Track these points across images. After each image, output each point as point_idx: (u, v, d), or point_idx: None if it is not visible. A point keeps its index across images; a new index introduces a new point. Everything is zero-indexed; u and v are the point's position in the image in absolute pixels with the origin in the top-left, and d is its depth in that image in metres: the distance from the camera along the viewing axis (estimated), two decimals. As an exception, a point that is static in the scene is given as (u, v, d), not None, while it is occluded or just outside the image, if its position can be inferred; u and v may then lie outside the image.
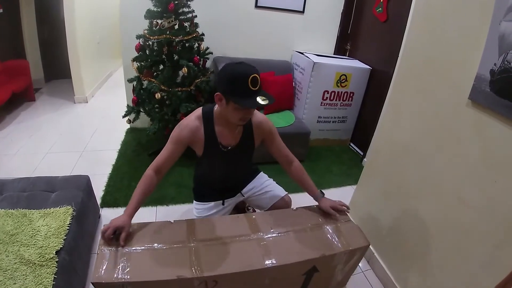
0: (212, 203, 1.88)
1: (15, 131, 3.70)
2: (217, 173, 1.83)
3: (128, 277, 1.22)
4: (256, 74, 1.37)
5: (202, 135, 1.60)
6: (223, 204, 1.88)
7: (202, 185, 1.94)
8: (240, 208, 2.27)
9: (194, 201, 1.96)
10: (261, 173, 2.06)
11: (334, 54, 4.25)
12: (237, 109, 1.44)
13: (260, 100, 1.37)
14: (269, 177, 2.03)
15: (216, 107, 1.60)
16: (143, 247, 1.37)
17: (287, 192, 1.98)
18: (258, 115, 1.71)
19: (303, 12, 3.91)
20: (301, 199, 1.80)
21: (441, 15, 1.62)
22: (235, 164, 1.80)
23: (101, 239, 1.39)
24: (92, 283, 1.21)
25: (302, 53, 3.84)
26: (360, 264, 2.16)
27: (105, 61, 6.01)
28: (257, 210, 2.16)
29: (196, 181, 1.99)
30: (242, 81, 1.35)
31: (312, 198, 1.80)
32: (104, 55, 5.88)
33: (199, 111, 1.62)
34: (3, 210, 1.76)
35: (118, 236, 1.38)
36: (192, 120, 1.59)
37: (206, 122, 1.60)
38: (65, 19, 4.25)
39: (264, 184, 1.98)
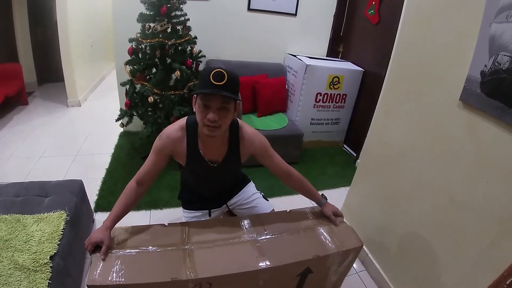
0: (198, 212, 1.84)
1: (8, 135, 3.68)
2: (202, 185, 1.76)
3: (123, 279, 1.22)
4: (223, 70, 1.28)
5: (184, 148, 1.51)
6: (209, 215, 1.84)
7: (188, 192, 1.88)
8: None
9: (182, 209, 1.90)
10: (250, 184, 1.97)
11: (326, 56, 4.28)
12: (199, 107, 1.33)
13: (217, 91, 1.26)
14: (262, 179, 2.00)
15: None
16: (137, 250, 1.37)
17: (273, 207, 1.91)
18: (247, 130, 1.59)
19: (295, 14, 3.93)
20: (295, 201, 1.81)
21: (432, 17, 1.64)
22: (220, 178, 1.72)
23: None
24: (87, 286, 1.21)
25: (294, 56, 3.86)
26: (354, 265, 2.18)
27: (98, 64, 5.99)
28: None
29: (182, 187, 1.93)
30: (205, 75, 1.29)
31: (303, 201, 1.77)
32: (97, 58, 5.87)
33: (183, 121, 1.51)
34: (-4, 215, 1.75)
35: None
36: (175, 130, 1.49)
37: (189, 134, 1.49)
38: (58, 22, 4.24)
39: (251, 198, 1.90)
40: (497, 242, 1.32)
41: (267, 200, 1.96)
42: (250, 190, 1.94)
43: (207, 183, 1.74)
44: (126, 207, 1.48)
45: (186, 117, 1.52)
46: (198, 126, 1.45)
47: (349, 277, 2.10)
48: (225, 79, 1.27)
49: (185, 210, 1.88)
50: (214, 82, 1.25)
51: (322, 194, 1.75)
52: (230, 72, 1.30)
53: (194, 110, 1.39)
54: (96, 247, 1.34)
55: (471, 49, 1.38)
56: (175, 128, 1.49)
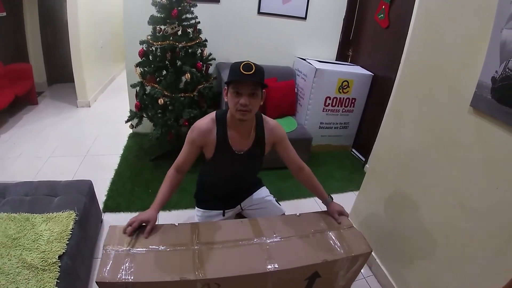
0: (213, 212, 1.87)
1: (17, 134, 3.72)
2: (224, 178, 1.82)
3: (132, 277, 1.22)
4: (250, 62, 1.46)
5: (214, 138, 1.62)
6: (223, 215, 1.87)
7: (205, 191, 1.93)
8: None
9: (196, 207, 1.95)
10: (264, 187, 2.03)
11: (336, 60, 4.27)
12: (232, 95, 1.49)
13: (244, 71, 1.43)
14: (273, 182, 2.03)
15: (229, 110, 1.63)
16: (147, 249, 1.37)
17: (284, 211, 1.96)
18: (270, 121, 1.74)
19: (305, 18, 3.94)
20: (305, 205, 1.80)
21: (443, 22, 1.64)
22: (243, 169, 1.79)
23: (109, 238, 1.41)
24: (96, 282, 1.22)
25: (304, 59, 3.86)
26: (362, 270, 2.16)
27: (108, 65, 6.03)
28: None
29: (199, 186, 1.98)
30: (237, 66, 1.45)
31: (312, 205, 1.79)
32: (107, 59, 5.91)
33: (212, 114, 1.65)
34: (5, 214, 1.77)
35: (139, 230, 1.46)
36: (206, 122, 1.62)
37: (219, 125, 1.62)
38: (68, 23, 4.28)
39: (264, 200, 1.96)
40: (506, 248, 1.31)
41: (279, 204, 1.99)
42: (264, 192, 2.00)
43: (229, 177, 1.80)
44: (170, 192, 1.67)
45: (215, 111, 1.67)
46: (227, 117, 1.62)
47: (357, 282, 2.08)
48: (253, 69, 1.44)
49: (199, 209, 1.90)
50: (244, 72, 1.43)
51: (329, 195, 1.81)
52: (257, 64, 1.47)
53: (225, 100, 1.55)
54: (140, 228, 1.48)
55: (482, 55, 1.37)
56: (206, 121, 1.62)
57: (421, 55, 1.81)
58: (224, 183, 1.85)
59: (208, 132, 1.61)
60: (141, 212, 1.51)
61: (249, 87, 1.47)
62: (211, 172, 1.82)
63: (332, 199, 1.80)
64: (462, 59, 1.52)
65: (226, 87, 1.54)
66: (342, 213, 1.75)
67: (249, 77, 1.43)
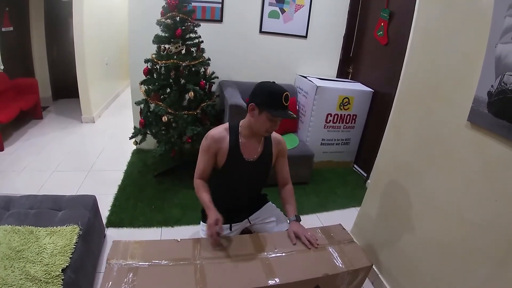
0: None
1: (22, 148, 3.76)
2: (234, 186, 1.85)
3: (134, 292, 1.24)
4: (288, 93, 1.60)
5: (227, 145, 1.70)
6: (230, 229, 1.88)
7: (215, 205, 1.92)
8: (246, 233, 2.26)
9: (201, 222, 1.95)
10: (270, 203, 2.06)
11: (336, 77, 4.32)
12: (268, 119, 1.60)
13: (290, 113, 1.62)
14: (277, 199, 2.03)
15: (241, 121, 1.75)
16: (150, 263, 1.39)
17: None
18: (275, 134, 1.88)
19: (306, 37, 4.01)
20: (306, 221, 1.82)
21: (439, 38, 1.68)
22: (252, 177, 1.84)
23: (112, 252, 1.44)
24: None
25: (305, 77, 3.91)
26: (364, 286, 2.15)
27: (112, 82, 6.12)
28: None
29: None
30: (278, 96, 1.57)
31: (314, 221, 1.80)
32: (112, 76, 5.99)
33: (226, 124, 1.76)
34: (9, 226, 1.79)
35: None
36: (219, 131, 1.72)
37: (231, 134, 1.72)
38: (74, 39, 4.36)
39: (272, 214, 1.99)
40: (507, 261, 1.31)
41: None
42: (272, 206, 2.04)
43: (239, 185, 1.84)
44: (209, 193, 1.74)
45: (227, 122, 1.79)
46: (239, 127, 1.74)
47: (359, 298, 2.08)
48: (289, 100, 1.61)
49: (205, 224, 1.89)
50: (284, 104, 1.58)
51: (297, 215, 1.81)
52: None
53: (252, 117, 1.65)
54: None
55: (478, 70, 1.40)
56: (219, 130, 1.73)
57: (418, 71, 1.85)
58: (233, 193, 1.87)
59: (222, 139, 1.70)
60: (207, 222, 1.57)
61: (283, 119, 1.65)
62: (222, 181, 1.84)
63: (298, 220, 1.79)
64: (458, 75, 1.56)
65: (254, 105, 1.62)
66: (297, 234, 1.70)
67: (286, 109, 1.61)
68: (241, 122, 1.75)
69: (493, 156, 1.38)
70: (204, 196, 1.70)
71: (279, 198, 1.93)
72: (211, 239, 1.55)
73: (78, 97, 4.70)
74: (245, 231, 2.01)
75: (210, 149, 1.71)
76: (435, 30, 1.71)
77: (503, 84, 1.28)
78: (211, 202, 1.67)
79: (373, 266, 2.16)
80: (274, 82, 1.66)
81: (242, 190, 1.88)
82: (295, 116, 1.61)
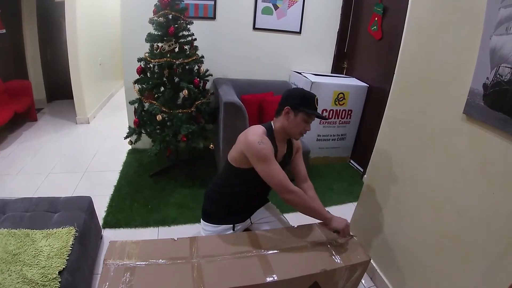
0: (222, 227, 1.85)
1: (17, 150, 3.74)
2: (256, 188, 1.84)
3: (132, 292, 1.23)
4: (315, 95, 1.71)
5: (272, 149, 1.69)
6: (233, 229, 1.86)
7: (219, 205, 1.89)
8: None
9: (203, 222, 1.92)
10: (270, 202, 2.07)
11: (331, 73, 4.32)
12: (303, 121, 1.69)
13: (317, 105, 1.70)
14: (275, 195, 2.01)
15: (273, 125, 1.77)
16: (147, 262, 1.38)
17: (290, 225, 1.95)
18: None
19: (300, 32, 4.01)
20: (304, 218, 1.81)
21: (433, 31, 1.68)
22: None
23: (109, 252, 1.42)
24: None
25: (300, 73, 3.91)
26: (363, 281, 2.16)
27: (106, 82, 6.10)
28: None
29: (215, 199, 1.92)
30: (312, 98, 1.68)
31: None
32: (105, 76, 5.97)
33: (261, 128, 1.72)
34: (5, 229, 1.77)
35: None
36: (262, 135, 1.67)
37: (270, 138, 1.70)
38: (67, 40, 4.34)
39: (272, 213, 2.00)
40: (505, 254, 1.31)
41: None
42: (272, 206, 2.06)
43: (260, 186, 1.80)
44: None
45: (260, 126, 1.75)
46: (274, 131, 1.76)
47: (358, 293, 2.08)
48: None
49: (208, 224, 1.88)
50: (316, 106, 1.69)
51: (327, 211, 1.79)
52: None
53: (287, 120, 1.71)
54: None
55: (473, 63, 1.40)
56: (262, 134, 1.68)
57: (413, 65, 1.85)
58: (253, 193, 1.89)
59: (271, 144, 1.68)
60: (338, 224, 1.67)
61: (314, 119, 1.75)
62: (248, 182, 1.79)
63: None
64: (453, 68, 1.56)
65: (289, 108, 1.68)
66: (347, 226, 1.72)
67: (317, 111, 1.71)
68: (274, 126, 1.76)
69: (489, 148, 1.38)
70: (317, 206, 1.74)
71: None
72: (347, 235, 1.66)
73: (73, 98, 4.67)
74: (246, 231, 2.01)
75: (272, 152, 1.67)
76: (429, 23, 1.71)
77: (498, 76, 1.28)
78: (324, 210, 1.73)
79: (371, 261, 2.16)
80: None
81: (260, 190, 1.91)
82: (325, 117, 1.66)
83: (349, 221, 1.73)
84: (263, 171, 1.62)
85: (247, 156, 1.64)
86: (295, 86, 3.94)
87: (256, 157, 1.61)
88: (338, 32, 4.16)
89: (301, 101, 1.68)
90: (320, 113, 1.71)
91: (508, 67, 1.23)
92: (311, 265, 1.49)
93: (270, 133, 1.72)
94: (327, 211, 1.73)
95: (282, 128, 1.74)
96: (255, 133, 1.66)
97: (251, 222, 1.96)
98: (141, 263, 1.38)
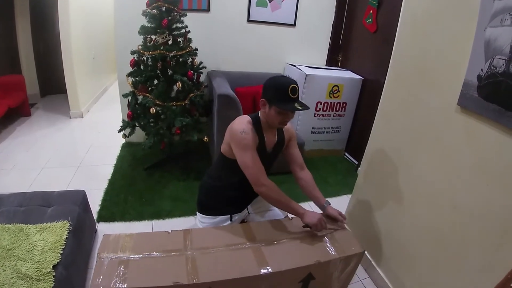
0: (219, 218, 1.85)
1: (11, 146, 3.71)
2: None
3: (126, 284, 1.23)
4: (295, 85, 1.58)
5: (257, 139, 1.68)
6: (231, 220, 1.86)
7: (216, 196, 1.89)
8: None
9: (199, 214, 1.91)
10: None
11: (326, 65, 4.31)
12: (278, 113, 1.60)
13: (297, 105, 1.58)
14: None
15: (260, 114, 1.73)
16: (140, 255, 1.39)
17: (286, 215, 1.96)
18: None
19: (294, 25, 3.98)
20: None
21: (427, 24, 1.67)
22: (267, 168, 1.81)
23: (102, 246, 1.44)
24: None
25: (294, 66, 3.90)
26: (357, 273, 2.17)
27: (100, 76, 6.05)
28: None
29: (210, 191, 1.92)
30: (284, 89, 1.56)
31: (312, 207, 1.80)
32: (99, 70, 5.92)
33: (247, 117, 1.72)
34: (-1, 225, 1.76)
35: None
36: (246, 124, 1.66)
37: (256, 128, 1.69)
38: (60, 34, 4.29)
39: (269, 204, 1.98)
40: (500, 245, 1.32)
41: None
42: None
43: None
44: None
45: (246, 116, 1.75)
46: (261, 121, 1.72)
47: (353, 285, 2.10)
48: (297, 91, 1.59)
49: (205, 216, 1.88)
50: (292, 96, 1.57)
51: (326, 200, 1.84)
52: (296, 83, 1.60)
53: (264, 110, 1.67)
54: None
55: (467, 54, 1.40)
56: (247, 124, 1.67)
57: (407, 57, 1.85)
58: (246, 183, 1.80)
59: (254, 134, 1.67)
60: (309, 220, 1.61)
61: (294, 111, 1.63)
62: (240, 173, 1.75)
63: (330, 204, 1.83)
64: (448, 59, 1.56)
65: (264, 100, 1.64)
66: (342, 215, 1.79)
67: (295, 101, 1.58)
68: (260, 115, 1.73)
69: (483, 140, 1.39)
70: (290, 201, 1.66)
71: (298, 183, 1.93)
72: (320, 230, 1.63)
73: (66, 92, 4.63)
74: (243, 221, 2.01)
75: (255, 142, 1.66)
76: (424, 15, 1.70)
77: (492, 67, 1.28)
78: (296, 203, 1.67)
79: (366, 253, 2.18)
80: (283, 75, 1.65)
81: None
82: (300, 108, 1.58)
83: (343, 212, 1.74)
84: (240, 160, 1.63)
85: (231, 145, 1.66)
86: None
87: (237, 146, 1.62)
88: (332, 24, 4.14)
89: (273, 93, 1.61)
90: (302, 105, 1.60)
91: (503, 59, 1.23)
92: (305, 256, 1.50)
93: (256, 123, 1.71)
94: (301, 206, 1.67)
95: (265, 118, 1.71)
96: (239, 123, 1.67)
97: (248, 212, 1.96)
98: (135, 256, 1.38)
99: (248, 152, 1.61)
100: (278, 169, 1.90)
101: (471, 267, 1.46)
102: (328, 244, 1.59)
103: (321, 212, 1.80)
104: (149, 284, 1.25)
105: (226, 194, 1.85)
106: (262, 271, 1.37)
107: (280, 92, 1.58)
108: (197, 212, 1.94)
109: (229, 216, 1.86)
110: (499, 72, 1.25)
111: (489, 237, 1.37)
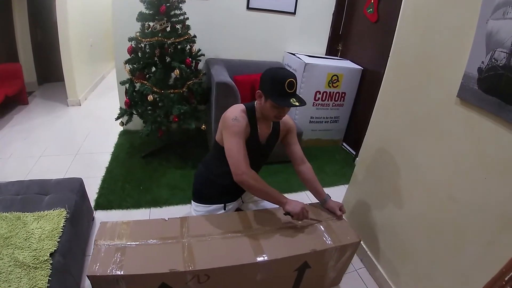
0: (213, 206, 1.86)
1: (8, 134, 3.69)
2: None
3: (122, 271, 1.25)
4: (293, 79, 1.54)
5: (249, 128, 1.67)
6: (224, 209, 1.87)
7: (211, 184, 1.88)
8: None
9: (194, 203, 1.92)
10: None
11: (325, 54, 4.29)
12: (273, 107, 1.58)
13: (293, 101, 1.54)
14: (265, 177, 2.01)
15: (255, 104, 1.71)
16: (137, 243, 1.40)
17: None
18: None
19: (294, 13, 3.94)
20: (295, 198, 1.82)
21: (429, 15, 1.65)
22: (261, 159, 1.85)
23: (99, 233, 1.45)
24: (88, 276, 1.24)
25: (293, 54, 3.87)
26: (353, 263, 2.18)
27: (98, 64, 6.00)
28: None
29: (203, 179, 1.91)
30: (280, 83, 1.52)
31: (303, 198, 1.81)
32: (97, 58, 5.87)
33: (242, 106, 1.70)
34: (-4, 213, 1.76)
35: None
36: (242, 116, 1.64)
37: (250, 118, 1.68)
38: (57, 22, 4.24)
39: None
40: (497, 238, 1.32)
41: None
42: None
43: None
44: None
45: (242, 104, 1.73)
46: (256, 111, 1.71)
47: (348, 274, 2.11)
48: (295, 85, 1.55)
49: (199, 204, 1.88)
50: (288, 90, 1.53)
51: (327, 194, 1.86)
52: (295, 77, 1.56)
53: (259, 102, 1.65)
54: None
55: (468, 46, 1.39)
56: (239, 111, 1.66)
57: (408, 48, 1.83)
58: None
59: (246, 123, 1.65)
60: (291, 208, 1.58)
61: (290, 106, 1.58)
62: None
63: (330, 198, 1.85)
64: (448, 51, 1.54)
65: (260, 92, 1.62)
66: (342, 209, 1.80)
67: (291, 96, 1.55)
68: (256, 105, 1.71)
69: (482, 133, 1.38)
70: (272, 189, 1.63)
71: (299, 176, 1.92)
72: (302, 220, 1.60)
73: (64, 80, 4.60)
74: (237, 210, 2.02)
75: (245, 130, 1.63)
76: (426, 6, 1.68)
77: (493, 60, 1.27)
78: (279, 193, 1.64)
79: (362, 243, 2.19)
80: (282, 68, 1.61)
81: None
82: (297, 104, 1.54)
83: (341, 202, 1.74)
84: (226, 146, 1.60)
85: (222, 132, 1.65)
86: (288, 67, 3.92)
87: (226, 131, 1.61)
88: (333, 13, 4.10)
89: (270, 86, 1.57)
90: (298, 101, 1.56)
91: (504, 52, 1.22)
92: (301, 245, 1.51)
93: (251, 112, 1.70)
94: (284, 196, 1.63)
95: (260, 110, 1.69)
96: (233, 110, 1.67)
97: (242, 201, 1.97)
98: (131, 243, 1.38)
99: (235, 139, 1.58)
100: (274, 159, 1.89)
101: (467, 258, 1.46)
102: (324, 233, 1.60)
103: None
104: (145, 271, 1.27)
105: (219, 183, 1.84)
106: (258, 259, 1.38)
107: (276, 85, 1.54)
108: (191, 201, 1.94)
109: (223, 205, 1.86)
110: (500, 65, 1.24)
111: (485, 230, 1.37)
